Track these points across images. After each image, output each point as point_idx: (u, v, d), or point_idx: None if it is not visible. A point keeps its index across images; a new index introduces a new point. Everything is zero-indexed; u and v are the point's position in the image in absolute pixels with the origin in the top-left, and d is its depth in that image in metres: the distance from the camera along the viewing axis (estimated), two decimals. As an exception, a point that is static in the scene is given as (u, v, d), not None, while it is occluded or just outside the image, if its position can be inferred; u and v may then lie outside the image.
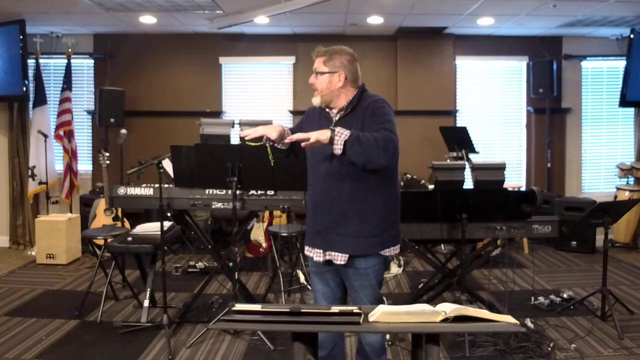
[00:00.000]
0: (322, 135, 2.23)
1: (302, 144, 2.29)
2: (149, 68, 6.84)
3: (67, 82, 6.50)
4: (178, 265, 5.46)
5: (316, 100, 2.50)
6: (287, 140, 2.46)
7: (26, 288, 4.84)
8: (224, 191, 3.80)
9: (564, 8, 5.45)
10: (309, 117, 2.65)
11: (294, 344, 1.70)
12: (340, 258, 2.43)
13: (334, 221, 2.42)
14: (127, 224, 5.47)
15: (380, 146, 2.24)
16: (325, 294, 2.58)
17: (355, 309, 1.62)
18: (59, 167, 6.64)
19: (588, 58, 6.91)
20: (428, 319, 1.63)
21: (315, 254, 2.51)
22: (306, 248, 2.58)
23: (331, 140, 2.21)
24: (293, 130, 2.58)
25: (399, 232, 2.57)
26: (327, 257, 2.47)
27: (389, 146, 2.28)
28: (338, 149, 2.21)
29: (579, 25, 6.22)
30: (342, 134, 2.22)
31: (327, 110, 2.53)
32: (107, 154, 4.91)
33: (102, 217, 5.42)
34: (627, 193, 6.31)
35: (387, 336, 3.53)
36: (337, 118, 2.48)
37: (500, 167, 3.87)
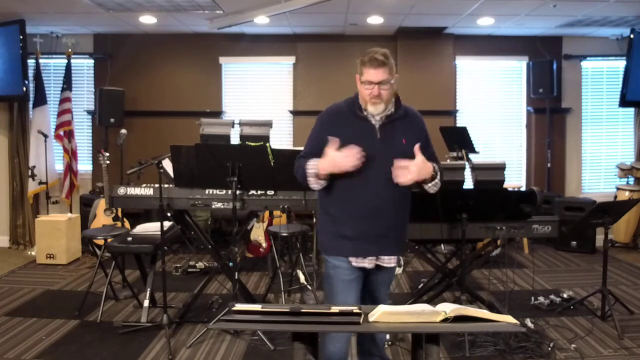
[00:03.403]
0: (425, 174, 2.38)
1: (400, 180, 2.33)
2: (149, 68, 6.84)
3: (67, 82, 6.50)
4: (178, 265, 5.46)
5: (380, 108, 2.42)
6: (350, 164, 2.31)
7: (26, 288, 4.84)
8: (224, 191, 3.79)
9: (564, 8, 5.45)
10: (332, 121, 2.49)
11: (294, 344, 1.70)
12: (391, 261, 2.49)
13: (391, 225, 2.46)
14: (127, 224, 5.47)
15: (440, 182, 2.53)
16: (357, 300, 2.51)
17: (355, 309, 1.62)
18: (59, 167, 6.64)
19: (588, 58, 6.91)
20: (428, 319, 1.63)
21: (367, 262, 2.45)
22: (354, 259, 2.44)
23: (430, 177, 2.43)
24: (313, 147, 2.45)
25: None
26: (378, 263, 2.48)
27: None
28: (435, 189, 2.50)
29: (579, 25, 6.22)
30: (438, 176, 2.47)
31: (360, 112, 2.44)
32: (107, 154, 4.91)
33: (102, 217, 5.42)
34: (627, 193, 6.31)
35: (387, 336, 3.53)
36: (380, 123, 2.44)
37: (500, 167, 3.87)
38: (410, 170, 2.33)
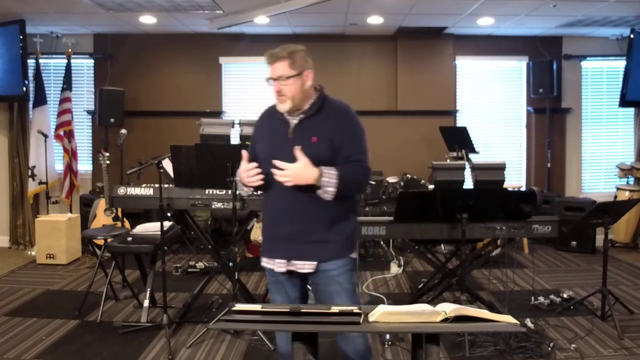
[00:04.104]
0: (306, 178, 2.18)
1: (283, 182, 2.20)
2: (149, 68, 6.84)
3: (67, 82, 6.50)
4: (178, 265, 5.46)
5: (286, 106, 2.30)
6: (252, 183, 2.30)
7: (26, 288, 4.84)
8: (224, 191, 3.79)
9: (564, 8, 5.45)
10: (260, 123, 2.47)
11: (294, 344, 1.70)
12: (305, 266, 2.31)
13: (301, 229, 2.30)
14: (127, 224, 5.47)
15: (362, 185, 2.37)
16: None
17: (355, 309, 1.62)
18: (59, 167, 6.64)
19: (588, 58, 6.91)
20: (428, 319, 1.63)
21: (277, 265, 2.36)
22: (264, 260, 2.41)
23: (317, 181, 2.18)
24: (251, 150, 2.43)
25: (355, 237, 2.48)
26: (290, 268, 2.33)
27: (368, 180, 2.39)
28: (327, 196, 2.21)
29: (579, 25, 6.22)
30: (330, 182, 2.19)
31: (277, 112, 2.35)
32: (107, 154, 4.91)
33: (102, 217, 5.42)
34: (627, 193, 6.31)
35: (387, 336, 3.53)
36: (295, 122, 2.32)
37: (500, 167, 3.87)
38: (286, 173, 2.19)
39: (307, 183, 2.20)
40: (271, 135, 2.38)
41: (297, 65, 2.31)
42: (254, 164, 2.28)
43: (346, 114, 2.38)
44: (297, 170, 2.19)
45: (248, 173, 2.28)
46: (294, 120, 2.33)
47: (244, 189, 2.42)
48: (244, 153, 2.34)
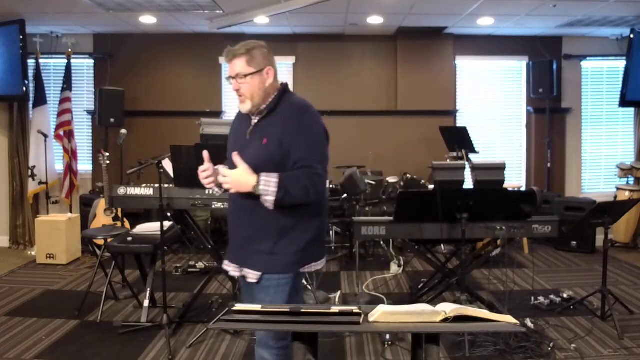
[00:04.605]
0: (244, 186, 2.09)
1: (226, 189, 2.15)
2: (149, 68, 6.84)
3: (67, 82, 6.50)
4: (178, 265, 5.46)
5: (246, 107, 2.20)
6: (206, 184, 2.23)
7: (26, 288, 4.84)
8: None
9: (564, 8, 5.45)
10: (235, 122, 2.39)
11: (294, 344, 1.70)
12: (252, 276, 2.22)
13: (249, 236, 2.21)
14: (127, 224, 5.47)
15: (311, 193, 2.10)
16: None
17: (355, 309, 1.62)
18: (59, 167, 6.64)
19: (588, 58, 6.91)
20: (428, 319, 1.63)
21: (232, 269, 2.32)
22: (225, 262, 2.37)
23: (255, 189, 2.08)
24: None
25: (322, 246, 2.34)
26: (242, 274, 2.27)
27: (319, 188, 2.12)
28: (268, 205, 2.09)
29: (579, 25, 6.22)
30: (268, 191, 2.06)
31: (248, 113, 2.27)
32: (107, 154, 4.91)
33: (102, 217, 5.42)
34: (627, 193, 6.31)
35: (387, 336, 3.53)
36: (255, 121, 2.23)
37: (500, 167, 3.87)
38: (226, 180, 2.12)
39: (244, 190, 2.10)
40: (236, 135, 2.33)
41: (255, 62, 2.19)
42: (207, 166, 2.20)
43: (299, 114, 2.18)
44: (234, 177, 2.10)
45: (201, 175, 2.22)
46: (254, 120, 2.24)
47: (214, 188, 2.32)
48: (205, 153, 2.22)
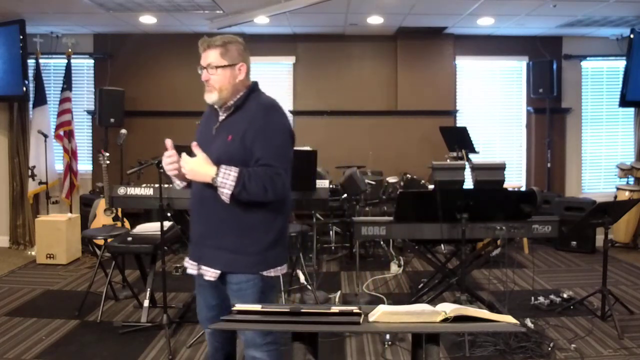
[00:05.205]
0: (202, 175, 2.08)
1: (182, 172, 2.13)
2: (149, 68, 6.84)
3: (67, 82, 6.50)
4: (178, 265, 5.45)
5: (212, 97, 2.20)
6: (168, 170, 2.21)
7: (26, 288, 4.84)
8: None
9: (564, 8, 5.45)
10: (204, 116, 2.38)
11: (294, 344, 1.70)
12: (210, 274, 2.18)
13: (209, 232, 2.18)
14: (127, 224, 5.47)
15: (269, 192, 2.07)
16: (202, 310, 2.36)
17: (355, 309, 1.62)
18: (59, 167, 6.64)
19: (588, 58, 6.91)
20: (428, 319, 1.63)
21: (190, 266, 2.28)
22: (186, 259, 2.33)
23: (213, 181, 2.06)
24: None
25: (285, 251, 2.29)
26: (200, 271, 2.23)
27: (278, 187, 2.09)
28: (224, 198, 2.07)
29: (579, 25, 6.22)
30: (226, 184, 2.04)
31: (216, 108, 2.26)
32: (107, 154, 4.92)
33: (102, 217, 5.42)
34: (627, 193, 6.31)
35: (387, 336, 3.53)
36: (222, 118, 2.23)
37: (500, 167, 3.87)
38: (183, 166, 2.11)
39: (203, 180, 2.09)
40: (203, 130, 2.32)
41: (229, 56, 2.17)
42: (171, 152, 2.19)
43: (265, 113, 2.16)
44: (192, 165, 2.09)
45: (165, 160, 2.19)
46: (221, 117, 2.24)
47: (176, 182, 2.31)
48: (167, 141, 2.20)
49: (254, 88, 2.25)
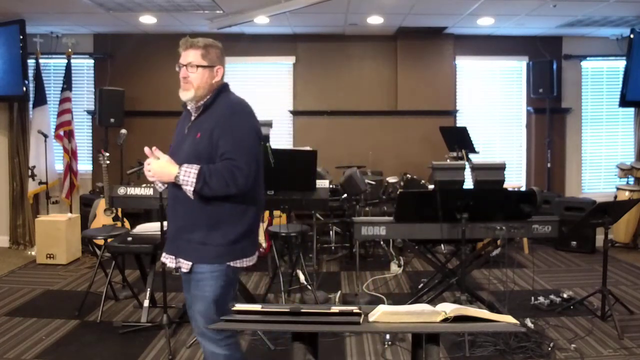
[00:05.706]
0: (165, 175, 2.22)
1: (148, 178, 2.27)
2: (149, 68, 6.84)
3: (67, 82, 6.50)
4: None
5: (188, 95, 2.33)
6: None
7: (26, 288, 4.84)
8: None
9: (564, 8, 5.45)
10: (181, 115, 2.51)
11: (293, 344, 1.70)
12: (185, 266, 2.30)
13: (182, 226, 2.30)
14: (127, 224, 5.47)
15: (230, 186, 2.17)
16: (189, 305, 2.43)
17: (355, 309, 1.62)
18: (59, 167, 6.64)
19: (588, 58, 6.91)
20: (428, 319, 1.63)
21: (168, 260, 2.39)
22: (162, 254, 2.44)
23: (176, 179, 2.19)
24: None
25: (254, 243, 2.40)
26: (177, 265, 2.34)
27: (239, 180, 2.18)
28: (189, 194, 2.19)
29: (579, 25, 6.22)
30: (187, 181, 2.16)
31: (189, 109, 2.40)
32: (107, 154, 4.91)
33: (102, 217, 5.42)
34: (627, 193, 6.31)
35: (387, 336, 3.53)
36: (193, 118, 2.36)
37: (500, 167, 3.87)
38: (147, 168, 2.26)
39: (168, 180, 2.23)
40: (178, 129, 2.44)
41: (209, 58, 2.33)
42: (150, 160, 2.31)
43: (232, 111, 2.28)
44: (155, 167, 2.24)
45: (146, 167, 2.32)
46: (193, 117, 2.37)
47: (157, 184, 2.44)
48: (146, 149, 2.32)
49: (223, 89, 2.37)
